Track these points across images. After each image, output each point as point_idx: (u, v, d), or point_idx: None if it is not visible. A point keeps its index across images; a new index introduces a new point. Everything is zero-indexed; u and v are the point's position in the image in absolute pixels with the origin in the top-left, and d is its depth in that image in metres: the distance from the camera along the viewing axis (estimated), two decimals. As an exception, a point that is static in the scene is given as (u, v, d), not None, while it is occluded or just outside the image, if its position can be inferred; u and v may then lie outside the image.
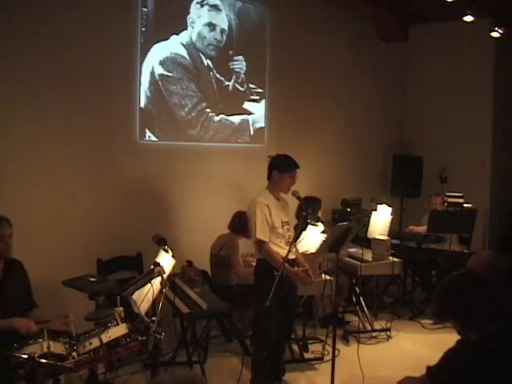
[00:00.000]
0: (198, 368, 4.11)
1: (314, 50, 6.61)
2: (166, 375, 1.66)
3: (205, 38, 5.44)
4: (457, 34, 7.12)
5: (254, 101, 5.94)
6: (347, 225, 4.00)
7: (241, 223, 4.82)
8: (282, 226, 4.00)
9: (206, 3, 5.43)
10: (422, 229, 6.07)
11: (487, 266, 2.72)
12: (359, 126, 7.23)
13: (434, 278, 6.25)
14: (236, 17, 5.72)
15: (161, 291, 3.17)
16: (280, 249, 3.91)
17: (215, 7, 5.52)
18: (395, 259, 5.29)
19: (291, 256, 3.87)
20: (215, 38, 5.53)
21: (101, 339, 2.87)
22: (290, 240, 3.85)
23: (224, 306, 4.13)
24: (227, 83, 5.68)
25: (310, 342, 4.94)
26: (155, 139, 5.13)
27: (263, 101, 6.03)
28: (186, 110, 5.33)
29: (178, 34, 5.22)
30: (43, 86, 4.31)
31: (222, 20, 5.60)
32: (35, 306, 3.50)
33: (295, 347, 4.72)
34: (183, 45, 5.26)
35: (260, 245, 3.91)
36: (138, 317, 3.16)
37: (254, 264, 4.14)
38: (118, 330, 2.97)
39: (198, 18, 5.38)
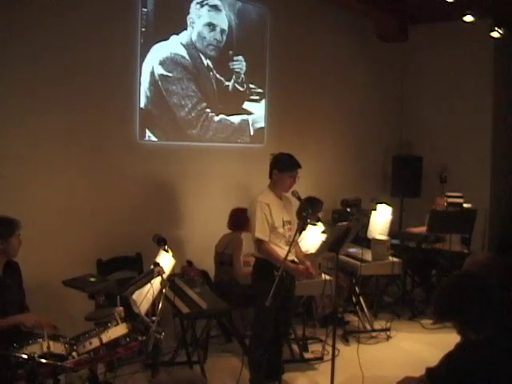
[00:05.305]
0: (198, 368, 4.12)
1: (314, 50, 6.62)
2: (165, 375, 1.66)
3: (205, 38, 5.44)
4: (457, 34, 7.12)
5: (253, 101, 5.94)
6: (347, 225, 4.00)
7: (238, 219, 4.85)
8: (283, 226, 3.99)
9: (206, 3, 5.44)
10: (421, 230, 6.07)
11: (484, 267, 2.72)
12: (359, 126, 7.23)
13: (433, 278, 6.25)
14: (236, 17, 5.72)
15: (161, 291, 3.18)
16: (280, 249, 3.91)
17: (215, 7, 5.53)
18: (395, 259, 5.30)
19: (291, 257, 3.88)
20: (215, 38, 5.54)
21: (101, 339, 2.88)
22: (291, 240, 3.85)
23: (224, 305, 4.13)
24: (227, 83, 5.68)
25: (309, 341, 4.94)
26: (155, 139, 5.13)
27: (263, 101, 6.04)
28: (186, 110, 5.33)
29: (177, 34, 5.22)
30: (43, 86, 4.31)
31: (222, 20, 5.60)
32: (27, 309, 3.50)
33: (295, 347, 4.72)
34: (183, 45, 5.26)
35: (259, 244, 3.91)
36: (138, 317, 3.17)
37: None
38: (118, 330, 2.97)
39: (198, 18, 5.38)
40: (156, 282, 3.26)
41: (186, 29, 5.29)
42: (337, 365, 3.86)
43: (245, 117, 5.86)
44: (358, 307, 5.47)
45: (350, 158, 7.11)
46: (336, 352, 4.09)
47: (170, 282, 3.96)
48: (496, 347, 2.19)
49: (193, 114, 5.40)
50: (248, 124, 5.91)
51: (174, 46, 5.19)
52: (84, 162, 4.61)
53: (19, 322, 3.17)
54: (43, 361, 2.62)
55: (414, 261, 6.03)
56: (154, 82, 5.06)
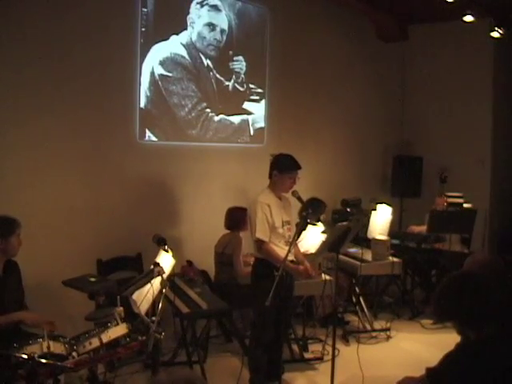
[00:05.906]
0: (198, 368, 4.11)
1: (314, 50, 6.62)
2: (165, 375, 1.66)
3: (205, 38, 5.44)
4: (457, 34, 7.13)
5: (253, 101, 5.94)
6: (347, 225, 4.00)
7: (235, 219, 4.87)
8: (283, 226, 4.00)
9: (206, 3, 5.44)
10: (422, 229, 6.07)
11: (483, 268, 2.72)
12: (359, 126, 7.23)
13: (433, 278, 6.25)
14: (236, 17, 5.72)
15: (161, 291, 3.18)
16: (279, 249, 3.91)
17: (215, 7, 5.53)
18: (395, 259, 5.30)
19: (290, 257, 3.87)
20: (215, 38, 5.54)
21: (101, 339, 2.88)
22: (290, 240, 3.85)
23: (224, 305, 4.13)
24: (227, 83, 5.68)
25: (309, 341, 4.94)
26: (155, 139, 5.13)
27: (263, 101, 6.04)
28: (186, 110, 5.34)
29: (177, 34, 5.22)
30: (43, 86, 4.32)
31: (222, 20, 5.60)
32: (26, 308, 3.51)
33: (295, 347, 4.72)
34: (183, 45, 5.26)
35: (259, 244, 3.91)
36: (138, 317, 3.17)
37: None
38: (118, 330, 2.97)
39: (198, 18, 5.38)
40: (156, 282, 3.26)
41: (186, 29, 5.29)
42: (337, 365, 3.85)
43: (245, 117, 5.86)
44: (358, 307, 5.46)
45: (350, 158, 7.11)
46: (336, 352, 4.08)
47: (170, 282, 3.96)
48: (496, 347, 2.19)
49: (193, 114, 5.40)
50: (248, 124, 5.91)
51: (174, 46, 5.19)
52: (84, 161, 4.61)
53: (19, 318, 3.19)
54: (43, 361, 2.63)
55: (413, 261, 6.03)
56: (154, 81, 5.06)
